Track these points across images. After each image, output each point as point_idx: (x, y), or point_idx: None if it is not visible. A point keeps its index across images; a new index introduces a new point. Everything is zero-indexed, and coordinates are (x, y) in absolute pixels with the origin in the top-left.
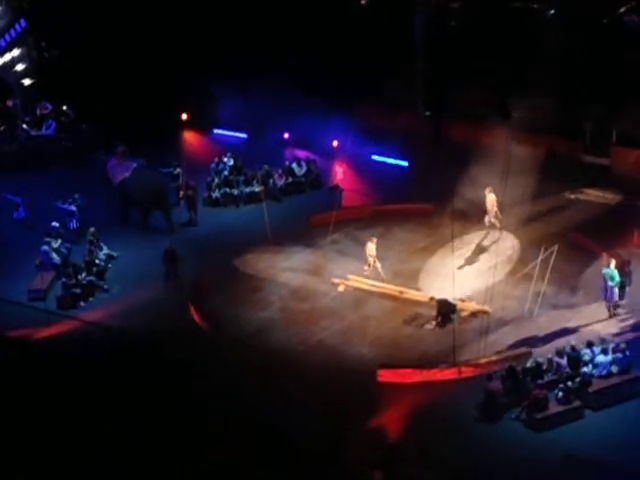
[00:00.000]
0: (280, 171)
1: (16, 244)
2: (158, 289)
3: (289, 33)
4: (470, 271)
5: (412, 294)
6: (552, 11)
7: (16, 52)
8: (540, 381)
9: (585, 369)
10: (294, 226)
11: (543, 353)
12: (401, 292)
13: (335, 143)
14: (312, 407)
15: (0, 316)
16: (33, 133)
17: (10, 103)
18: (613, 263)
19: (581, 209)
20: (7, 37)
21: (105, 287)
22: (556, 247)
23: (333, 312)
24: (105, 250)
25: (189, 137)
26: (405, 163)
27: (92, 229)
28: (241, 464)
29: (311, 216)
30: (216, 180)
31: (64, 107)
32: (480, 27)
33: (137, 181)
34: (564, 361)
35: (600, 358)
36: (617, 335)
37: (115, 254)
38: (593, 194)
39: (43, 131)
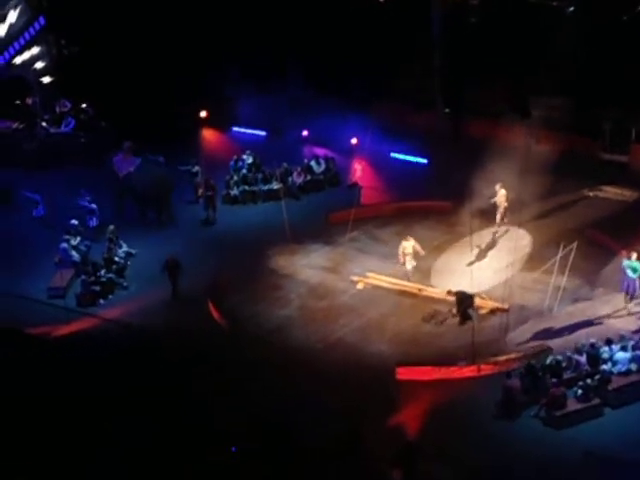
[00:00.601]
0: (299, 169)
1: (35, 242)
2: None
3: (308, 30)
4: (489, 268)
5: (431, 291)
6: (571, 8)
7: (35, 50)
8: (555, 380)
9: (604, 367)
10: (313, 224)
11: (562, 351)
12: (420, 289)
13: (354, 141)
14: (330, 405)
15: (20, 313)
16: (52, 131)
17: (30, 101)
18: (634, 255)
19: (600, 206)
20: (26, 35)
21: (124, 284)
22: (575, 244)
23: (352, 310)
24: (124, 248)
25: (208, 135)
26: (424, 160)
27: (111, 227)
28: (250, 462)
29: (330, 214)
30: (235, 178)
31: (83, 105)
32: (499, 24)
33: (141, 176)
34: (583, 358)
35: (619, 355)
36: (637, 332)
37: (134, 252)
38: (612, 191)
39: (62, 129)
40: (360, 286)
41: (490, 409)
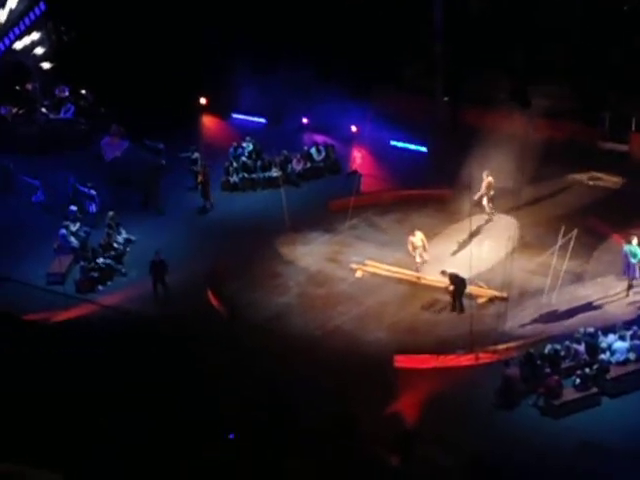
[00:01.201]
0: (298, 156)
1: (34, 227)
2: (176, 274)
3: (309, 16)
4: (488, 256)
5: (429, 279)
6: None
7: (35, 36)
8: (549, 370)
9: (602, 356)
10: (312, 211)
11: (560, 339)
12: (418, 278)
13: (353, 128)
14: (328, 391)
15: (19, 299)
16: (52, 116)
17: (29, 86)
18: (635, 240)
19: (599, 194)
20: (26, 21)
21: (123, 271)
22: (575, 232)
23: (350, 297)
24: (124, 234)
25: (208, 121)
26: (424, 149)
27: (111, 213)
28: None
29: (329, 201)
30: (234, 165)
31: (83, 91)
32: (500, 12)
33: (128, 160)
34: (582, 347)
35: (618, 345)
36: (635, 322)
37: (134, 238)
38: (611, 180)
39: (62, 115)
40: (359, 274)
41: (489, 397)
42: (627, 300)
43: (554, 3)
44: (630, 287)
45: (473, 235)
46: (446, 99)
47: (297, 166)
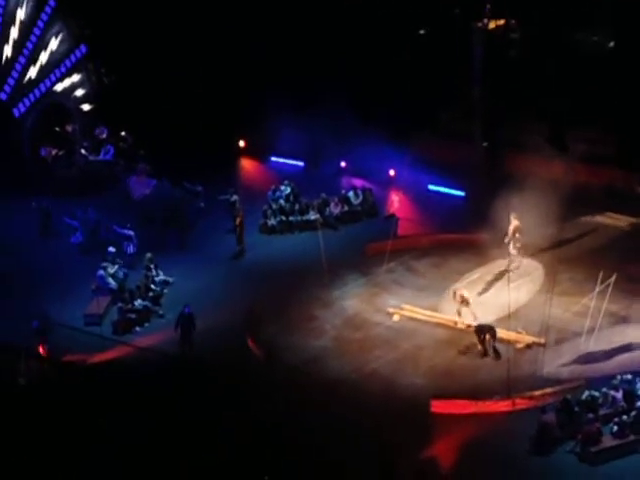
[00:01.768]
0: (336, 199)
1: (73, 269)
2: (213, 316)
3: (347, 62)
4: (525, 302)
5: (466, 324)
6: (611, 44)
7: (76, 77)
8: (591, 415)
9: None
10: (350, 255)
11: (598, 386)
12: (455, 322)
13: (391, 172)
14: (365, 435)
15: (56, 340)
16: (91, 158)
17: (69, 128)
18: None
19: (638, 241)
20: (67, 63)
21: (160, 313)
22: (613, 278)
23: (387, 341)
24: (161, 276)
25: (246, 164)
26: (461, 193)
27: (149, 254)
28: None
29: (367, 245)
30: (273, 207)
31: (122, 133)
32: (539, 58)
33: (156, 198)
34: (619, 394)
35: None
36: None
37: (171, 280)
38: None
39: (101, 156)
40: (396, 318)
41: (525, 444)
42: None
43: (593, 49)
44: None
45: (510, 280)
46: (485, 144)
47: (335, 209)
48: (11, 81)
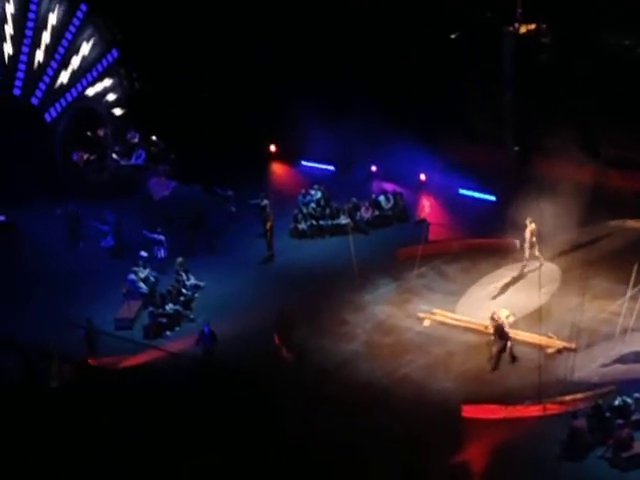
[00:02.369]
0: (367, 204)
1: (103, 273)
2: (244, 320)
3: (379, 66)
4: (556, 307)
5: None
6: None
7: (107, 82)
8: (622, 421)
9: None
10: (380, 259)
11: (630, 391)
12: (486, 327)
13: (422, 177)
14: (395, 440)
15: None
16: (123, 163)
17: (101, 132)
18: None
19: None
20: (99, 67)
21: (191, 317)
22: None
23: (418, 346)
24: (192, 280)
25: (277, 169)
26: (492, 197)
27: (180, 259)
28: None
29: (397, 250)
30: (304, 211)
31: (154, 137)
32: (570, 62)
33: (176, 200)
34: None
35: None
36: None
37: (202, 284)
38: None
39: (133, 161)
40: (427, 323)
41: (555, 449)
42: None
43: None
44: None
45: (541, 285)
46: (516, 148)
47: (365, 214)
48: (43, 86)
